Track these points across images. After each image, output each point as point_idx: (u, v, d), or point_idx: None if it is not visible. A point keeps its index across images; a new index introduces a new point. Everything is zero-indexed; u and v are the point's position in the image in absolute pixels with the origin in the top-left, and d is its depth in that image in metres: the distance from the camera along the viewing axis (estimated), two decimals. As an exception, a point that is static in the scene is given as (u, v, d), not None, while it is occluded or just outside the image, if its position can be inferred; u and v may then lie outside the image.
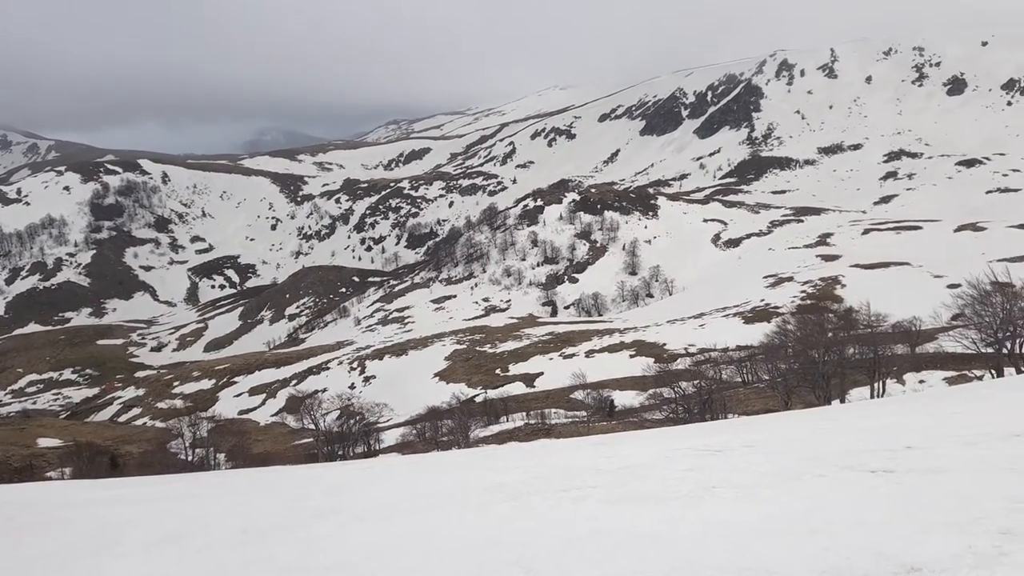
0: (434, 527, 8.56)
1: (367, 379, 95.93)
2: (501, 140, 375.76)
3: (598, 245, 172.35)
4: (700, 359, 69.48)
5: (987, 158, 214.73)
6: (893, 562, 5.02)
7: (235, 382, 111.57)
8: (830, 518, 6.44)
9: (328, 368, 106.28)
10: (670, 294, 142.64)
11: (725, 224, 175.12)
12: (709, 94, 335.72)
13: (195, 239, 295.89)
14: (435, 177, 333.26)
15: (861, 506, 6.79)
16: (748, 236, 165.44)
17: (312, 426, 56.84)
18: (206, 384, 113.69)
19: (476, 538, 7.57)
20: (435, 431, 46.73)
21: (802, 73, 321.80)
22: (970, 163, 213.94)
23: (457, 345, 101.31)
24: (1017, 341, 37.24)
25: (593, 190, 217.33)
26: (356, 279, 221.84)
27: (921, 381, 46.32)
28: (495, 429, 48.34)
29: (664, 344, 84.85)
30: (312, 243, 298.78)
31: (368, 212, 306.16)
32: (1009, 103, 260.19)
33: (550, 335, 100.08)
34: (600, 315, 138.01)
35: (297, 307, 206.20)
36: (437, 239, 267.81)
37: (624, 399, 57.99)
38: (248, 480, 18.60)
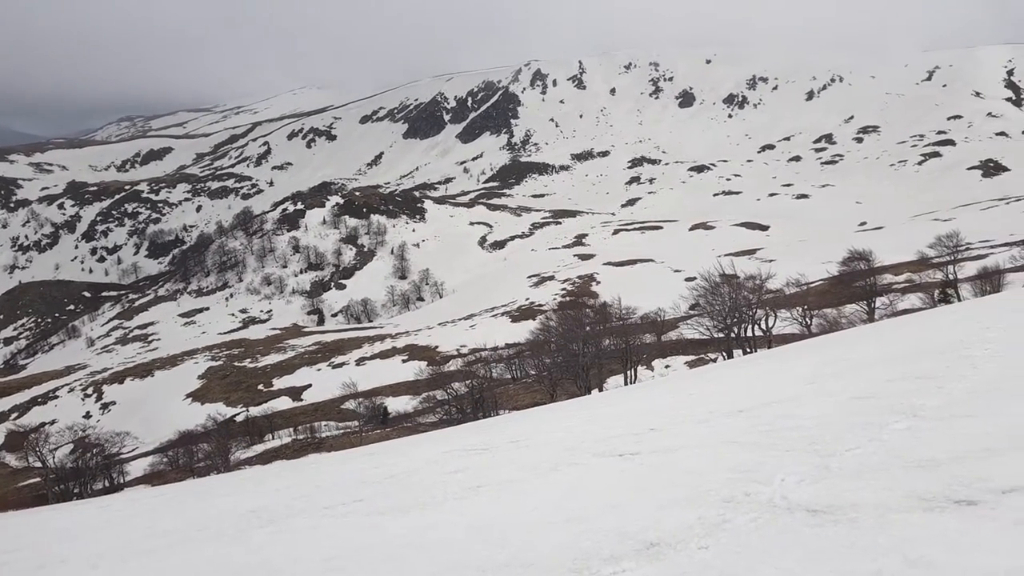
0: (177, 565, 7.66)
1: (105, 406, 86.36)
2: (254, 140, 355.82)
3: (365, 250, 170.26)
4: (472, 359, 71.28)
5: (713, 164, 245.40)
6: (635, 540, 5.30)
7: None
8: (583, 505, 6.70)
9: (57, 396, 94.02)
10: (441, 297, 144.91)
11: (490, 227, 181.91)
12: (469, 100, 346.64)
13: None
14: (179, 179, 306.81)
15: (610, 490, 7.16)
16: (512, 238, 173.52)
17: (39, 464, 49.60)
18: None
19: (225, 572, 6.89)
20: (190, 457, 42.98)
21: (554, 83, 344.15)
22: (700, 169, 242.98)
23: (212, 361, 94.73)
24: (742, 326, 42.74)
25: (358, 193, 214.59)
26: (88, 295, 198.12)
27: (667, 366, 51.27)
28: (259, 449, 45.64)
29: (436, 347, 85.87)
30: (31, 255, 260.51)
31: (99, 219, 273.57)
32: (730, 116, 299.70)
33: (317, 345, 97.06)
34: (370, 321, 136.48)
35: (14, 329, 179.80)
36: (184, 247, 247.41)
37: (398, 405, 57.73)
38: (-54, 539, 15.54)
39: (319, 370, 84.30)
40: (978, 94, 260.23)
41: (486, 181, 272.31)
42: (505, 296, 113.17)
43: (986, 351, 11.46)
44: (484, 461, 11.17)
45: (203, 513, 11.98)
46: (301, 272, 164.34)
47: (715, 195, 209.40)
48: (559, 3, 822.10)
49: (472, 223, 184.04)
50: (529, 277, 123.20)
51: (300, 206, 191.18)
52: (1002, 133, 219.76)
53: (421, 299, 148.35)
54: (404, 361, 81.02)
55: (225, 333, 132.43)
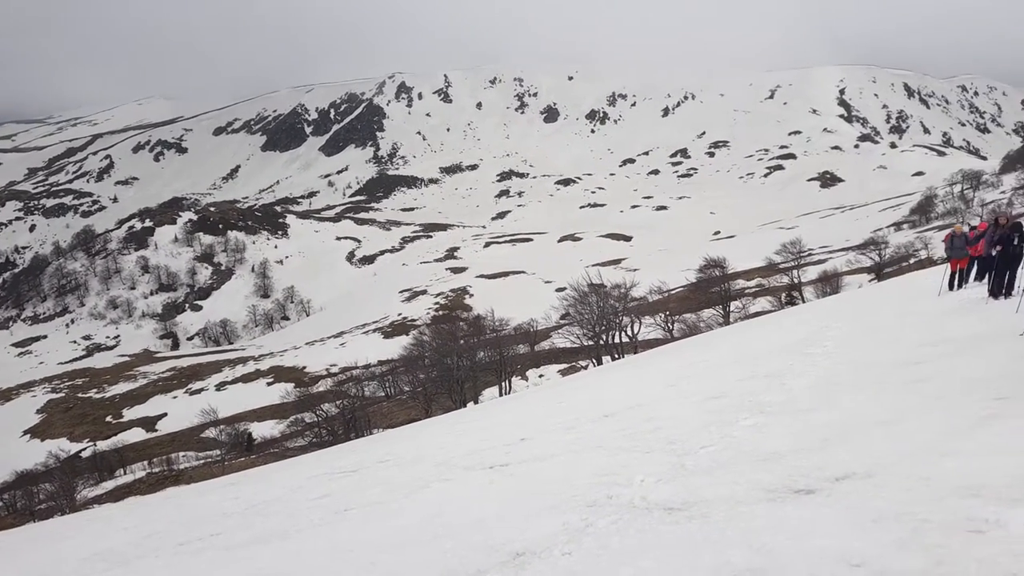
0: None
1: (-73, 449, 77.00)
2: (95, 153, 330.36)
3: (223, 268, 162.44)
4: (343, 378, 69.38)
5: (579, 178, 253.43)
6: (501, 552, 5.30)
7: None
8: (452, 521, 6.64)
9: None
10: (308, 315, 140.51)
11: (359, 241, 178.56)
12: (332, 111, 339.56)
13: None
14: (8, 196, 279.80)
15: (479, 504, 7.14)
16: (382, 252, 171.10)
17: None
18: None
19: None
20: (29, 499, 39.11)
21: (420, 96, 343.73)
22: (566, 182, 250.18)
23: (53, 394, 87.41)
24: (610, 333, 44.19)
25: (213, 208, 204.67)
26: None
27: (540, 375, 52.03)
28: (110, 485, 42.17)
29: (304, 367, 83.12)
30: None
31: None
32: (592, 131, 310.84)
33: (172, 371, 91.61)
34: (231, 343, 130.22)
35: None
36: (16, 270, 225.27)
37: (263, 430, 55.27)
38: None
39: (175, 397, 79.44)
40: (815, 111, 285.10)
41: (353, 195, 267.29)
42: (376, 312, 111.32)
43: (824, 348, 12.46)
44: (352, 483, 10.88)
45: (40, 561, 10.94)
46: (152, 294, 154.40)
47: (581, 207, 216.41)
48: (421, 16, 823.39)
49: (339, 238, 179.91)
50: (401, 292, 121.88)
51: (149, 223, 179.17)
52: (836, 147, 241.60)
53: (286, 318, 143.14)
54: (269, 384, 77.82)
55: (67, 362, 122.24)
